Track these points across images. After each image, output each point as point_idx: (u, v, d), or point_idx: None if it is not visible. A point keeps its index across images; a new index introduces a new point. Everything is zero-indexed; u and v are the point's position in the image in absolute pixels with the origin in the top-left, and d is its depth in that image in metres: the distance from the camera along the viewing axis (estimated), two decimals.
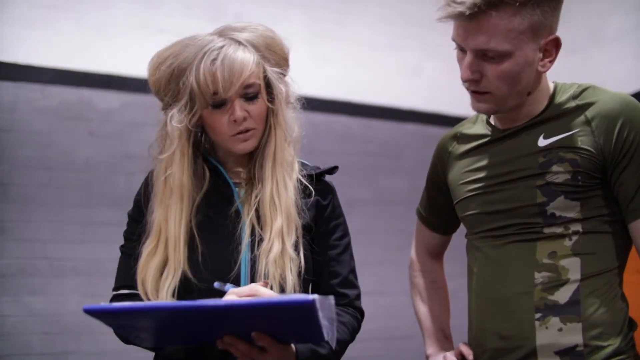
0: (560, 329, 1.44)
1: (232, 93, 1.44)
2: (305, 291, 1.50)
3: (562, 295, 1.45)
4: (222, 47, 1.44)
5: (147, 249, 1.45)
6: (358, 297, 1.59)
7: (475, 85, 1.45)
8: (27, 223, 3.19)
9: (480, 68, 1.43)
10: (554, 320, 1.44)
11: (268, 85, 1.51)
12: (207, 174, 1.52)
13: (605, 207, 1.47)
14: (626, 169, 1.44)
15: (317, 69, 3.82)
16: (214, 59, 1.43)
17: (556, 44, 1.44)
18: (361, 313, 1.59)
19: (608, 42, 3.93)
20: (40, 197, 3.23)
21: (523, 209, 1.49)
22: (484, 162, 1.58)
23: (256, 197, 1.49)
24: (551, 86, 1.54)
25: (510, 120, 1.54)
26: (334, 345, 1.32)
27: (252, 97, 1.47)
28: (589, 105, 1.48)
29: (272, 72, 1.49)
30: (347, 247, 1.60)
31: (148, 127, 1.66)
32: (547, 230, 1.48)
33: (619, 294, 1.48)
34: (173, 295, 1.42)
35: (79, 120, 3.35)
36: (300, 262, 1.45)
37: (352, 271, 1.59)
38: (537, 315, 1.45)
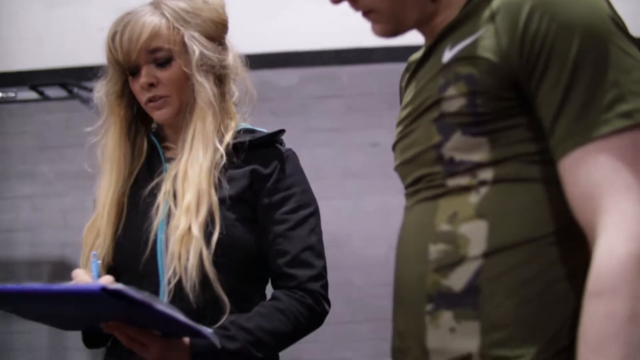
0: (453, 329, 0.95)
1: (134, 58, 1.42)
2: (226, 276, 1.36)
3: (457, 279, 0.95)
4: (130, 13, 1.43)
5: (90, 220, 1.48)
6: (313, 278, 1.40)
7: (355, 4, 1.04)
8: None
9: None
10: (446, 316, 0.96)
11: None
12: (145, 148, 1.50)
13: (530, 142, 0.96)
14: (543, 80, 0.92)
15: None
16: (117, 26, 1.42)
17: None
18: (317, 297, 1.40)
19: None
20: None
21: (423, 155, 1.04)
22: (408, 96, 1.12)
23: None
24: None
25: (430, 34, 1.09)
26: (216, 342, 1.25)
27: (162, 62, 1.43)
28: None
29: (189, 36, 1.43)
30: (303, 221, 1.43)
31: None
32: (450, 183, 1.00)
33: (554, 278, 0.93)
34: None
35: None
36: (211, 241, 1.34)
37: (309, 248, 1.42)
38: (428, 307, 0.98)
